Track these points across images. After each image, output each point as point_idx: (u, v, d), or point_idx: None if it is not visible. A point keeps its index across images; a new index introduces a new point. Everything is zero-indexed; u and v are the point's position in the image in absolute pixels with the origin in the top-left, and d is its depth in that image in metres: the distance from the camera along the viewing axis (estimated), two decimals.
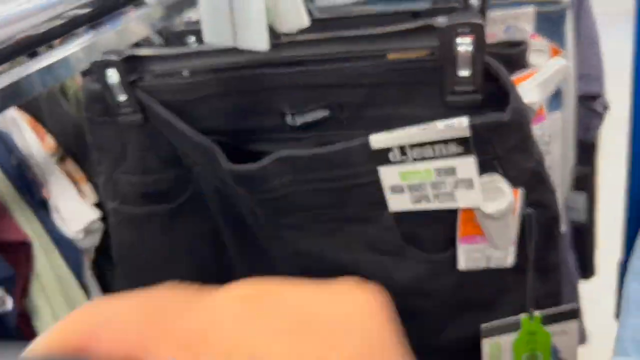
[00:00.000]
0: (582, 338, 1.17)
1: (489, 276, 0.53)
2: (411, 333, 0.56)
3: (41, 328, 0.88)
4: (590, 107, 0.95)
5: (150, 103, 0.56)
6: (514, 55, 0.50)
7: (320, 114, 0.53)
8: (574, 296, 1.13)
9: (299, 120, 0.53)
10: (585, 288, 1.17)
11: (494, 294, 0.54)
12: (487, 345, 0.54)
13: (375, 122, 0.51)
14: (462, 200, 0.48)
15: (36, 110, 0.86)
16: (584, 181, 1.04)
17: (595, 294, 1.78)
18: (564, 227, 0.86)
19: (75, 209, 0.87)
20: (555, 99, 0.79)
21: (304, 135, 0.55)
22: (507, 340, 0.54)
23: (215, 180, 0.58)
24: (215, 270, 0.66)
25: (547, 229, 0.52)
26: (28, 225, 0.83)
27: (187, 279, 0.65)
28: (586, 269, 1.20)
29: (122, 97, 0.56)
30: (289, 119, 0.54)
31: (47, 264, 0.84)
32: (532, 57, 0.54)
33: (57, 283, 0.86)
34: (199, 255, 0.65)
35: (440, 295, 0.53)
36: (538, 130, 0.61)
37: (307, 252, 0.56)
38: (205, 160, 0.56)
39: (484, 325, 0.53)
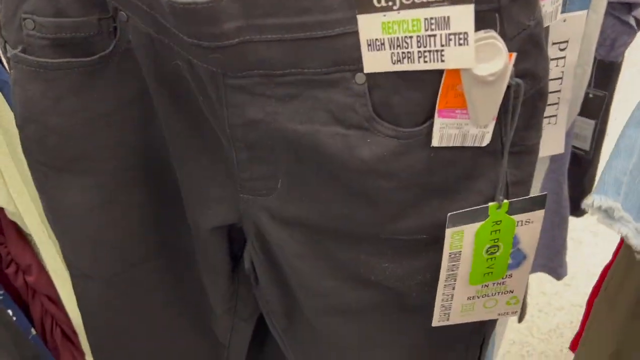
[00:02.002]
0: (561, 272, 1.11)
1: (461, 157, 0.47)
2: (368, 218, 0.48)
3: None
4: (621, 17, 0.83)
5: None
6: None
7: None
8: (562, 229, 1.06)
9: None
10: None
11: (462, 178, 0.48)
12: (450, 234, 0.50)
13: None
14: (452, 59, 0.40)
15: None
16: (597, 107, 0.94)
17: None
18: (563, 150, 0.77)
19: None
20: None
21: None
22: (470, 230, 0.50)
23: (148, 26, 0.48)
24: (140, 142, 0.57)
25: (532, 104, 0.46)
26: None
27: (106, 153, 0.50)
28: (579, 206, 1.12)
29: None
30: None
31: None
32: None
33: (1, 132, 0.79)
34: (123, 126, 0.56)
35: (406, 176, 0.47)
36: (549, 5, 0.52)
37: (257, 121, 0.47)
38: None
39: (451, 214, 0.48)
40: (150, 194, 0.61)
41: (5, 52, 0.53)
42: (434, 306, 0.56)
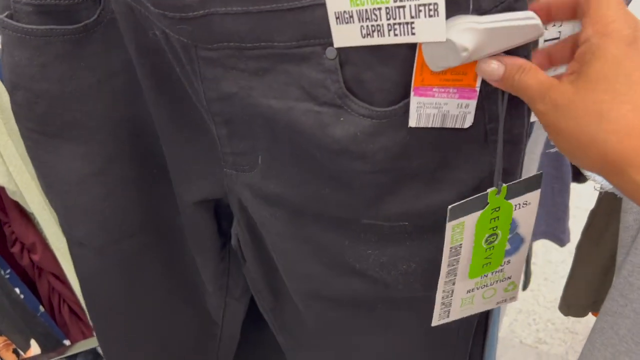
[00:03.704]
0: (564, 238, 1.11)
1: (440, 143, 0.44)
2: (346, 201, 0.44)
3: None
4: None
5: None
6: None
7: None
8: (564, 195, 1.06)
9: None
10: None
11: (443, 166, 0.46)
12: (450, 227, 0.47)
13: None
14: (423, 32, 0.38)
15: None
16: None
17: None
18: None
19: None
20: None
21: None
22: (471, 220, 0.48)
23: None
24: (129, 114, 0.57)
25: None
26: None
27: (95, 122, 0.50)
28: (580, 172, 1.12)
29: None
30: None
31: None
32: None
33: None
34: (111, 96, 0.55)
35: (381, 159, 0.45)
36: None
37: (232, 95, 0.47)
38: None
39: (451, 207, 0.46)
40: (141, 167, 0.60)
41: None
42: (421, 300, 0.54)
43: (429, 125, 0.43)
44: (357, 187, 0.47)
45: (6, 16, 0.51)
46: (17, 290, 0.94)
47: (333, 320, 0.60)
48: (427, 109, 0.42)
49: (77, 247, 0.67)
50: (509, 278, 0.55)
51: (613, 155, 0.35)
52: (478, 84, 0.41)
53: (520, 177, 0.49)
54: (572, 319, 1.59)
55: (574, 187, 1.07)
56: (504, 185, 0.46)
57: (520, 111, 0.44)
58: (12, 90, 0.55)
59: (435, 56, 0.39)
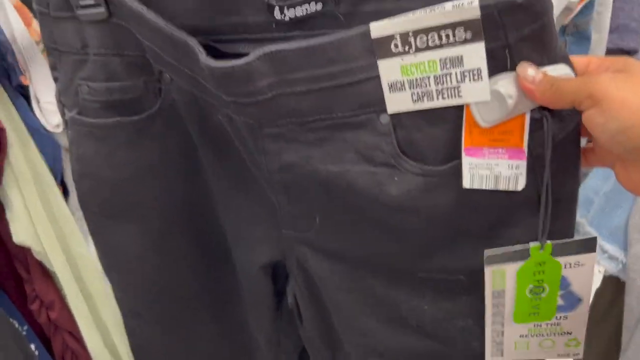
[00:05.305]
0: None
1: (493, 204, 0.47)
2: (401, 253, 0.49)
3: (12, 219, 0.86)
4: None
5: None
6: None
7: (313, 6, 0.47)
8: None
9: (289, 14, 0.48)
10: None
11: (497, 225, 0.49)
12: (490, 271, 0.50)
13: (375, 18, 0.45)
14: (468, 94, 0.43)
15: None
16: None
17: None
18: None
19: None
20: (580, 46, 0.72)
21: (294, 34, 0.49)
22: (512, 269, 0.50)
23: (191, 86, 0.52)
24: (185, 191, 0.61)
25: (563, 149, 0.45)
26: (2, 111, 0.80)
27: (155, 201, 0.56)
28: None
29: None
30: (276, 13, 0.48)
31: (21, 153, 0.80)
32: None
33: (31, 174, 0.83)
34: (169, 176, 0.60)
35: (434, 214, 0.48)
36: None
37: (292, 165, 0.51)
38: (180, 59, 0.50)
39: (487, 251, 0.48)
40: (195, 238, 0.64)
41: (63, 114, 0.58)
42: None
43: (483, 187, 0.46)
44: (411, 240, 0.50)
45: (76, 113, 0.56)
46: (33, 346, 0.95)
47: None
48: (480, 169, 0.45)
49: (133, 318, 0.70)
50: (569, 333, 0.54)
51: None
52: (525, 143, 0.44)
53: (572, 234, 0.50)
54: None
55: None
56: (548, 242, 0.48)
57: (572, 168, 0.47)
58: (78, 180, 0.60)
59: (484, 111, 0.43)
